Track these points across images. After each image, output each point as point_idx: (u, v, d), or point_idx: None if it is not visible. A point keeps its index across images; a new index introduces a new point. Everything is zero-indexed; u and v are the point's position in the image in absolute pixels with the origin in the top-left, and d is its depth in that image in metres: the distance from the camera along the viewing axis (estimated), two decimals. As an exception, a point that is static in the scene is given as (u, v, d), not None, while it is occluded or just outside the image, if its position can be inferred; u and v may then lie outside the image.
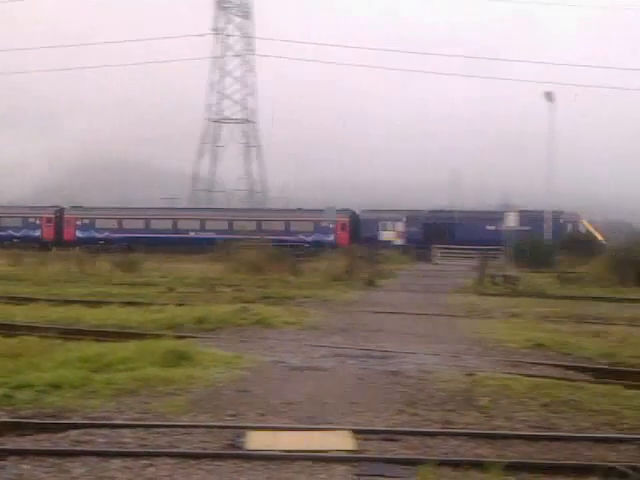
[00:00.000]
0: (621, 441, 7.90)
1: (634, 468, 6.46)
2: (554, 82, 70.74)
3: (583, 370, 12.63)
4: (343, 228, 63.93)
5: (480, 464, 6.90)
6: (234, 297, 24.31)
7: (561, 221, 60.73)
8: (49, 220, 68.81)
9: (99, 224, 67.77)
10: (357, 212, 66.01)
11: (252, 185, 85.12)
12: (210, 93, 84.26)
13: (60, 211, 69.73)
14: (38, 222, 68.93)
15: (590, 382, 11.33)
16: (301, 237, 63.83)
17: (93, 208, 70.42)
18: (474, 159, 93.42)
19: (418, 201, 67.62)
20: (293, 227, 64.91)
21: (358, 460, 7.14)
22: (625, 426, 8.68)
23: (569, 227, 61.92)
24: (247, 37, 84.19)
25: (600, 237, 59.74)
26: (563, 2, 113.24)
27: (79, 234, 67.36)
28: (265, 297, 24.77)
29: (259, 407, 9.33)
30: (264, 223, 63.97)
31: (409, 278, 37.71)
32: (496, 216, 58.29)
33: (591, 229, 61.64)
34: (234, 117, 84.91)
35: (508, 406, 9.60)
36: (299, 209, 67.83)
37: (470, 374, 11.56)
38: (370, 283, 32.09)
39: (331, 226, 63.67)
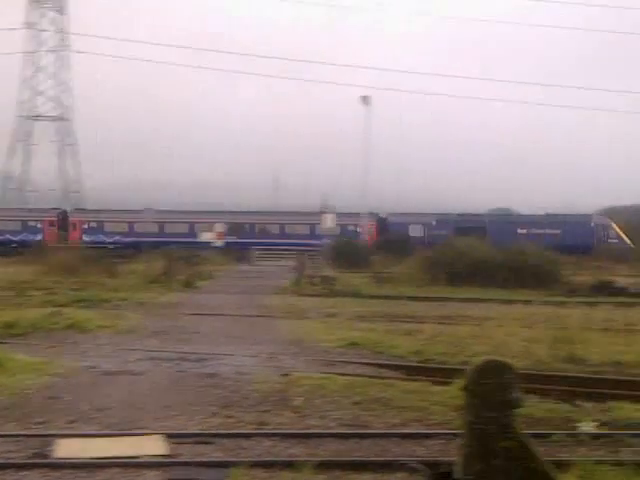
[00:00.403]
0: (428, 436, 8.18)
1: (425, 463, 6.66)
2: (372, 86, 73.32)
3: (395, 368, 13.03)
4: (368, 232, 62.40)
5: (292, 464, 6.94)
6: (45, 301, 23.33)
7: (592, 225, 60.73)
8: (51, 223, 64.39)
9: (109, 227, 64.02)
10: (385, 216, 64.81)
11: (67, 184, 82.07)
12: (22, 89, 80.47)
13: (63, 213, 66.05)
14: (39, 225, 64.42)
15: (401, 379, 11.70)
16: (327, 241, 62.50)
17: (98, 211, 66.34)
18: (295, 160, 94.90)
19: (241, 201, 67.67)
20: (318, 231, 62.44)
21: (170, 464, 7.01)
22: (432, 422, 9.01)
23: (600, 231, 60.80)
24: (61, 32, 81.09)
25: (628, 240, 59.67)
26: (379, 8, 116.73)
27: (86, 238, 62.66)
28: (79, 300, 23.89)
29: (69, 414, 9.00)
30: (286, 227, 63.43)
31: (228, 280, 37.59)
32: (527, 220, 61.30)
33: (620, 232, 61.11)
34: (48, 114, 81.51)
35: (322, 405, 9.74)
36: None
37: (285, 374, 11.66)
38: (188, 285, 31.72)
39: (358, 230, 61.88)
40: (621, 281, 35.80)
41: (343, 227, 56.13)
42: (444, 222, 61.47)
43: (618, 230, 60.19)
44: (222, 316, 20.86)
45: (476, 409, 4.40)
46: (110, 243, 61.14)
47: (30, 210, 66.85)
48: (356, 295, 28.89)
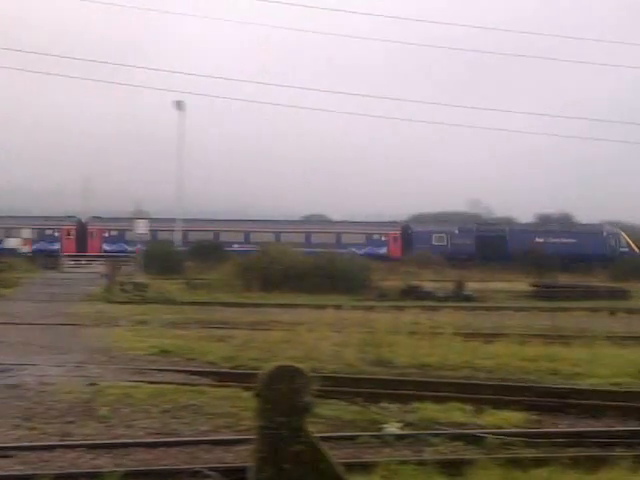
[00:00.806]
0: (238, 442, 8.16)
1: (232, 469, 6.64)
2: (187, 92, 72.71)
3: (207, 374, 12.92)
4: (395, 240, 63.30)
5: (97, 475, 6.71)
6: None
7: (604, 234, 62.26)
8: (70, 232, 61.87)
9: (130, 236, 56.79)
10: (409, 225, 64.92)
11: None
12: None
13: (79, 222, 63.40)
14: (57, 234, 61.33)
15: (212, 386, 11.60)
16: (352, 250, 59.22)
17: (119, 219, 61.05)
18: (108, 166, 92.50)
19: (50, 207, 65.02)
20: (344, 240, 62.10)
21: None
22: (243, 427, 8.99)
23: (612, 240, 62.39)
24: None
25: (637, 249, 61.16)
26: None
27: (107, 247, 59.09)
28: None
29: None
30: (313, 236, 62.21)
31: (36, 287, 36.00)
32: (544, 229, 62.50)
33: (630, 241, 62.42)
34: None
35: (129, 414, 9.50)
36: (352, 222, 66.31)
37: (92, 384, 11.27)
38: (-11, 292, 30.09)
39: (384, 239, 63.12)
40: (428, 285, 37.53)
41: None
42: (466, 231, 62.98)
43: (627, 239, 62.72)
44: (27, 325, 19.95)
45: (268, 414, 4.43)
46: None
47: (46, 218, 63.26)
48: (169, 302, 28.55)
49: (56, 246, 60.83)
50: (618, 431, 8.85)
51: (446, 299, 33.03)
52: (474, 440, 8.12)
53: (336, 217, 71.17)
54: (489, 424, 9.21)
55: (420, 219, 71.18)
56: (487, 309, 28.34)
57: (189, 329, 19.43)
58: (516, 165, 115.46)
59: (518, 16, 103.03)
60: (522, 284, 41.70)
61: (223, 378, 12.41)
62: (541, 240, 61.07)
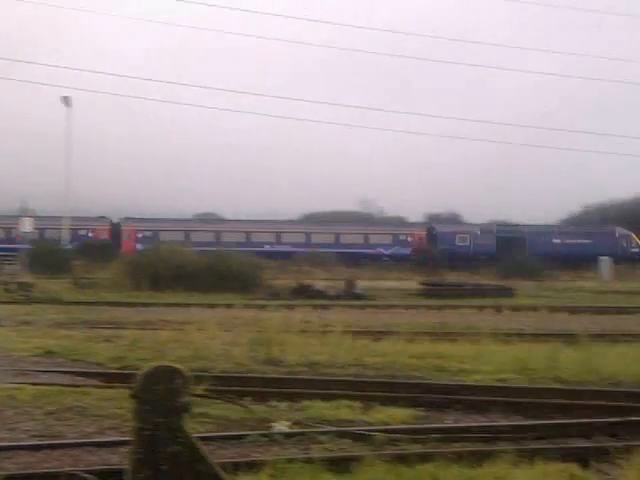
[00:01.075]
0: (123, 444, 7.97)
1: (116, 471, 6.48)
2: (76, 87, 70.93)
3: (93, 375, 12.61)
4: (421, 241, 64.77)
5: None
6: None
7: (616, 235, 64.41)
8: (105, 232, 62.58)
9: (165, 236, 57.26)
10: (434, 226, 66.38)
11: None
12: None
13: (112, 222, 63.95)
14: (91, 235, 61.48)
15: (98, 387, 11.33)
16: (380, 250, 63.32)
17: (153, 219, 63.63)
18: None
19: None
20: (372, 240, 64.14)
21: None
22: (128, 429, 8.78)
23: (624, 241, 64.57)
24: None
25: None
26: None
27: (141, 247, 56.30)
28: None
29: None
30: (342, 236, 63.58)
31: None
32: (561, 231, 65.97)
33: None
34: None
35: (11, 417, 9.19)
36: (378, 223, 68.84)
37: (-30, 387, 10.83)
38: None
39: (409, 239, 64.54)
40: (320, 284, 37.78)
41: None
42: (488, 232, 65.11)
43: (638, 240, 65.51)
44: None
45: (145, 415, 4.35)
46: None
47: (80, 219, 61.97)
48: (55, 301, 27.79)
49: None
50: (502, 426, 9.09)
51: (337, 298, 33.37)
52: (362, 437, 8.19)
53: (230, 216, 70.72)
54: (377, 421, 9.32)
55: (311, 218, 72.10)
56: (377, 307, 28.76)
57: (75, 329, 18.98)
58: (406, 165, 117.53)
59: (407, 17, 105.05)
60: (412, 282, 42.53)
61: (109, 379, 12.13)
62: (558, 241, 64.24)
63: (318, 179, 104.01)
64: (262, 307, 26.10)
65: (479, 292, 36.45)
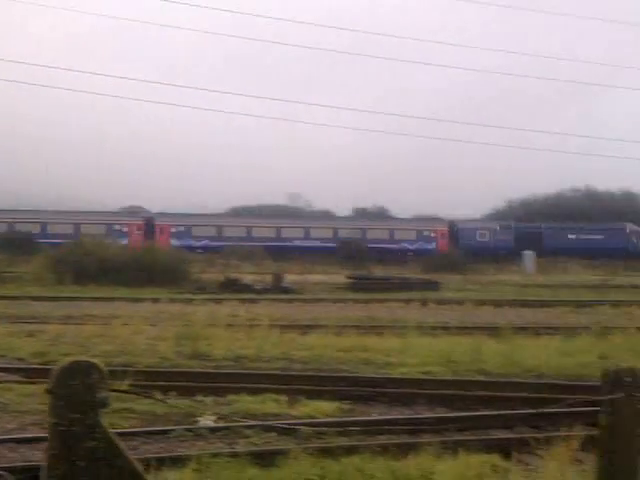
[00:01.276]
0: (44, 440, 7.79)
1: (11, 469, 6.33)
2: None
3: (14, 371, 12.30)
4: (443, 236, 67.48)
5: None
6: None
7: (627, 231, 68.54)
8: (139, 227, 63.07)
9: (197, 232, 62.56)
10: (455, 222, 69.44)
11: None
12: None
13: (148, 218, 65.64)
14: (125, 230, 62.12)
15: (20, 383, 11.07)
16: (404, 245, 66.26)
17: (188, 215, 66.71)
18: None
19: None
20: (397, 236, 66.83)
21: None
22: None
23: (634, 237, 68.55)
24: None
25: None
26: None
27: (175, 242, 59.47)
28: None
29: None
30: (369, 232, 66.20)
31: None
32: (575, 227, 68.55)
33: None
34: None
35: None
36: (402, 219, 72.64)
37: None
38: None
39: (433, 235, 67.41)
40: (247, 278, 37.65)
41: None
42: (506, 228, 68.42)
43: None
44: None
45: (60, 411, 4.26)
46: (198, 247, 60.80)
47: (114, 214, 65.85)
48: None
49: None
50: (426, 418, 9.20)
51: (265, 291, 33.32)
52: (287, 431, 8.18)
53: (156, 209, 70.19)
54: (303, 414, 9.33)
55: (237, 212, 72.86)
56: (305, 301, 28.78)
57: (-3, 324, 18.48)
58: (334, 160, 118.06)
59: (333, 15, 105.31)
60: (340, 276, 42.73)
61: (31, 374, 11.85)
62: (573, 236, 67.82)
63: (245, 173, 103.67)
64: (189, 301, 25.90)
65: (406, 286, 36.82)
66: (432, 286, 37.29)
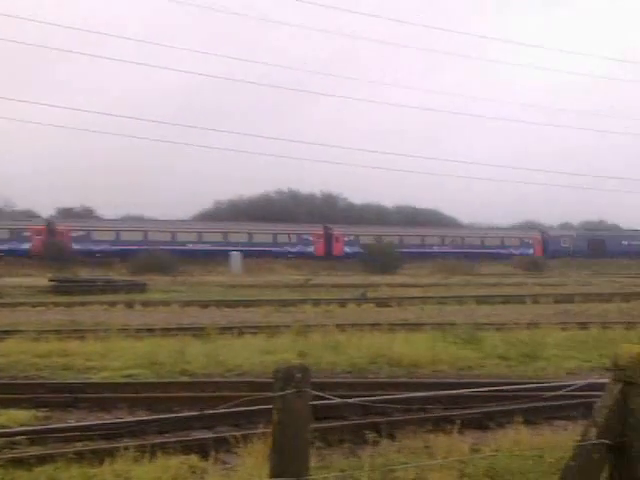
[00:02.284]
0: None
1: None
2: None
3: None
4: (539, 243, 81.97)
5: None
6: None
7: None
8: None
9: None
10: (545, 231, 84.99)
11: None
12: None
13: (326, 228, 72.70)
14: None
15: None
16: (512, 250, 78.68)
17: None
18: None
19: None
20: (507, 243, 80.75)
21: None
22: None
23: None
24: None
25: None
26: None
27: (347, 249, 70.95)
28: None
29: None
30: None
31: None
32: (628, 234, 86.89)
33: None
34: None
35: None
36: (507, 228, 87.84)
37: None
38: None
39: (530, 242, 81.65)
40: None
41: None
42: (582, 237, 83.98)
43: None
44: None
45: None
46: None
47: (294, 225, 70.78)
48: None
49: None
50: (125, 422, 9.01)
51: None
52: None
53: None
54: (-4, 424, 8.77)
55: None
56: (2, 305, 27.12)
57: None
58: (38, 160, 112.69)
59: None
60: (42, 279, 40.87)
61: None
62: (626, 242, 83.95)
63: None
64: None
65: (111, 288, 36.02)
66: (139, 287, 36.84)
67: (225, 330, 17.64)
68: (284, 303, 28.01)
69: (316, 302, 27.63)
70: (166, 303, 27.43)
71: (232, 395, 10.66)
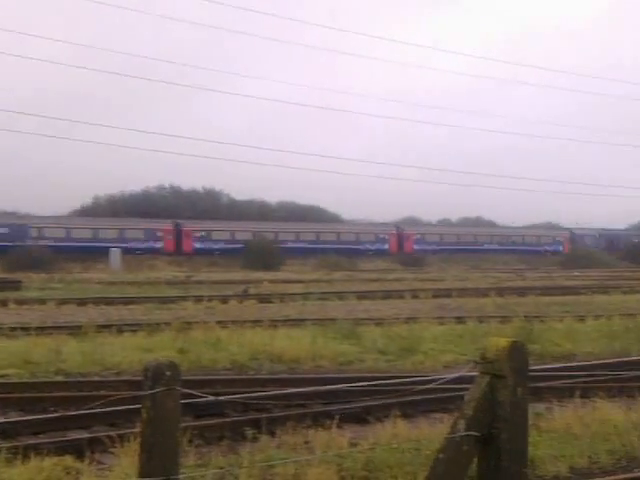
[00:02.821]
0: None
1: None
2: None
3: None
4: (566, 241, 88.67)
5: None
6: None
7: None
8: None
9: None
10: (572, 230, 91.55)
11: None
12: None
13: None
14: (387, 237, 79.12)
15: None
16: (546, 247, 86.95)
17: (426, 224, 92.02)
18: None
19: None
20: (544, 241, 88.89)
21: None
22: None
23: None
24: None
25: None
26: None
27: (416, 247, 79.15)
28: None
29: None
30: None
31: None
32: (634, 233, 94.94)
33: None
34: None
35: None
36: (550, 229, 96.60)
37: None
38: None
39: (558, 239, 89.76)
40: None
41: None
42: (604, 236, 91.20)
43: None
44: None
45: None
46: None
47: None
48: None
49: None
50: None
51: None
52: None
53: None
54: None
55: None
56: None
57: None
58: None
59: None
60: None
61: None
62: (636, 240, 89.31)
63: None
64: None
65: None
66: (13, 285, 35.51)
67: (103, 328, 17.28)
68: (165, 300, 27.63)
69: (198, 299, 27.33)
70: (42, 301, 26.56)
71: (109, 394, 10.47)
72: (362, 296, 30.03)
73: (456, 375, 4.56)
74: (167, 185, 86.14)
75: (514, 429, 3.83)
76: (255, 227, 72.26)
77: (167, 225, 71.02)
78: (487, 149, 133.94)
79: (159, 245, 69.37)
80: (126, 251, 62.64)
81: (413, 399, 9.95)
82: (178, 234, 71.11)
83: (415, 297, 29.87)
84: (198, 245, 70.67)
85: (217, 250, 69.20)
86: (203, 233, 71.60)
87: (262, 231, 70.98)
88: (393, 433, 8.14)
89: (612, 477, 7.00)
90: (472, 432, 3.74)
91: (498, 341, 3.90)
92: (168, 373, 3.46)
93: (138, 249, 66.45)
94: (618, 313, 21.44)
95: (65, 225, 67.42)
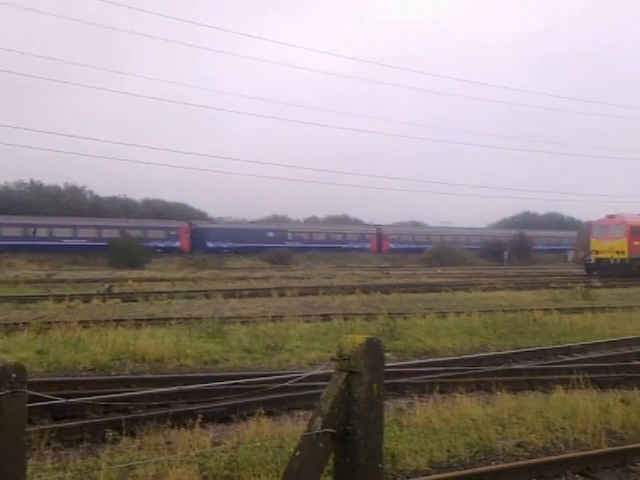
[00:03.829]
0: None
1: None
2: None
3: None
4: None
5: None
6: None
7: None
8: None
9: None
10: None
11: None
12: None
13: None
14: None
15: None
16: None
17: None
18: None
19: None
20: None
21: None
22: None
23: None
24: None
25: None
26: None
27: None
28: None
29: None
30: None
31: None
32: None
33: None
34: None
35: None
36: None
37: None
38: None
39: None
40: None
41: None
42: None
43: None
44: None
45: None
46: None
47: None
48: None
49: None
50: None
51: None
52: None
53: None
54: None
55: None
56: None
57: None
58: None
59: None
60: None
61: None
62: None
63: None
64: None
65: None
66: None
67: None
68: (24, 299, 26.59)
69: (59, 298, 26.42)
70: None
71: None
72: (229, 294, 29.87)
73: (310, 373, 4.61)
74: (27, 181, 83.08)
75: (369, 425, 3.89)
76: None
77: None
78: (359, 150, 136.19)
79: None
80: None
81: (277, 397, 10.00)
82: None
83: (282, 295, 29.96)
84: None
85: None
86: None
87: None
88: (257, 431, 8.15)
89: (470, 470, 7.25)
90: (328, 429, 3.79)
91: (354, 338, 3.95)
92: (14, 375, 3.33)
93: None
94: (478, 310, 22.15)
95: None
